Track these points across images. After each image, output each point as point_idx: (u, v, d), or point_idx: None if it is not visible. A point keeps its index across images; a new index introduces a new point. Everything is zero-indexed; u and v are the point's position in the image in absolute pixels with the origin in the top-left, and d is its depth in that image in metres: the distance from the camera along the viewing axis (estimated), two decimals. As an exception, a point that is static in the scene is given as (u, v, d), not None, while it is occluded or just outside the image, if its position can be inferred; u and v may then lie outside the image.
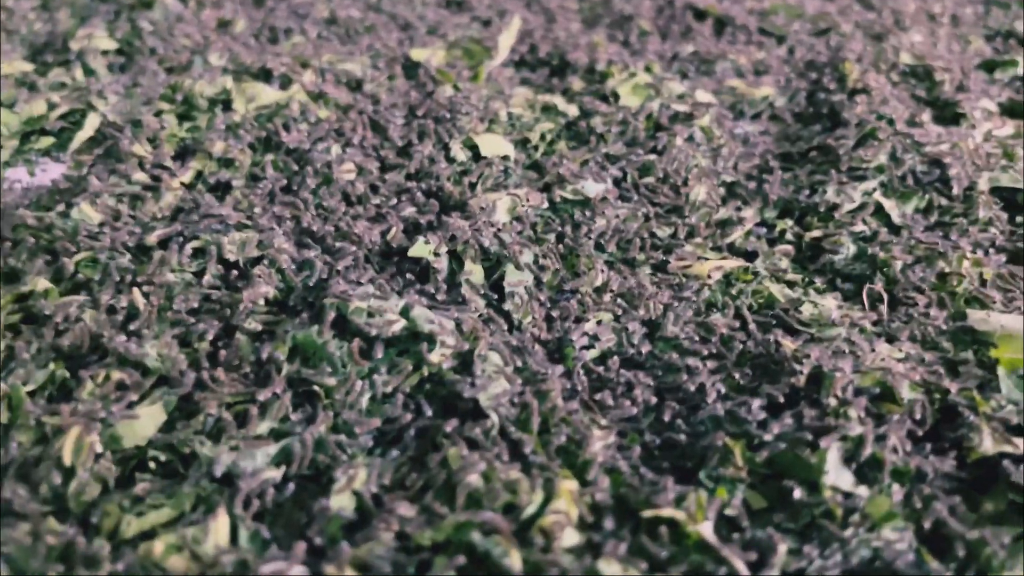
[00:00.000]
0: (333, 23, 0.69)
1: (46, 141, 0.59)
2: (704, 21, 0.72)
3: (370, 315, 0.47)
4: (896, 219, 0.57)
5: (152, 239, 0.52)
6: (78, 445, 0.42)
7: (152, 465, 0.43)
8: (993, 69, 0.74)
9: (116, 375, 0.46)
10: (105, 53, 0.66)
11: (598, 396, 0.46)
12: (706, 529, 0.38)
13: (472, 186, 0.56)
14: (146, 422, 0.45)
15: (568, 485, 0.40)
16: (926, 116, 0.63)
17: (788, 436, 0.41)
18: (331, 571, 0.36)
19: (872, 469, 0.41)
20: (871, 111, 0.62)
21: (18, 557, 0.39)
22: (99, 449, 0.43)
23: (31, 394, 0.45)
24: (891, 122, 0.61)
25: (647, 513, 0.38)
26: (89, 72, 0.63)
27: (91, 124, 0.59)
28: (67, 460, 0.41)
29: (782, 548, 0.38)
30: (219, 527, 0.39)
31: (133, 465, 0.43)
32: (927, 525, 0.39)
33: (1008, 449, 0.41)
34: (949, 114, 0.65)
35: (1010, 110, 0.66)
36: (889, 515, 0.39)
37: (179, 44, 0.65)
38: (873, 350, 0.47)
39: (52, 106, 0.60)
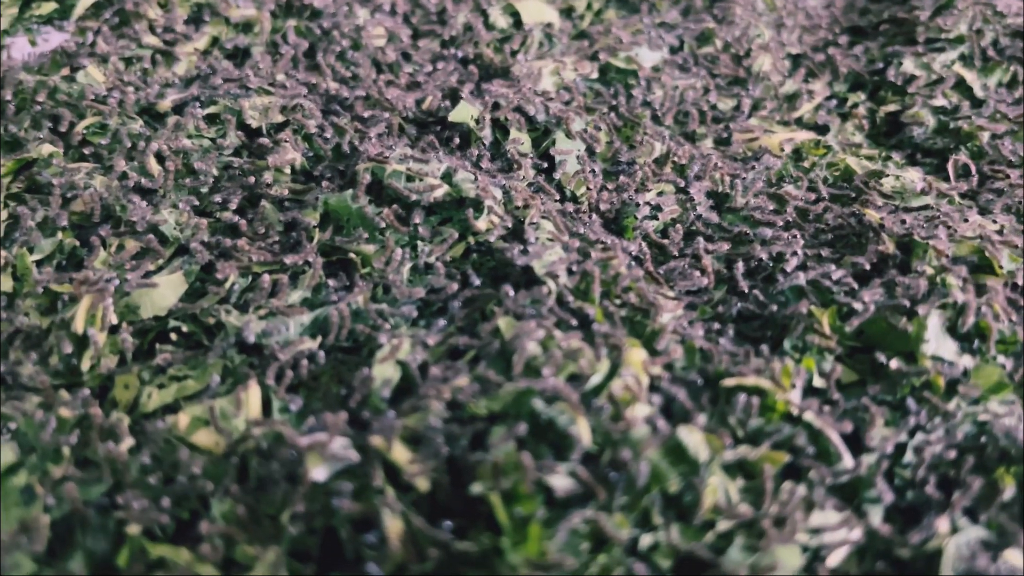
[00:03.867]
0: None
1: (47, 7, 0.54)
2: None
3: (409, 179, 0.43)
4: (979, 92, 0.52)
5: (165, 104, 0.48)
6: (90, 313, 0.38)
7: (173, 337, 0.39)
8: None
9: (131, 244, 0.42)
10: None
11: (663, 269, 0.42)
12: (794, 397, 0.34)
13: (514, 53, 0.51)
14: (166, 291, 0.41)
15: (637, 354, 0.36)
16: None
17: (880, 304, 0.37)
18: (377, 442, 0.32)
19: (975, 339, 0.37)
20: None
21: (27, 431, 0.35)
22: (114, 320, 0.39)
23: (38, 264, 0.42)
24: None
25: (728, 382, 0.34)
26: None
27: (93, -14, 0.54)
28: (79, 328, 0.37)
29: (879, 420, 0.34)
30: (251, 398, 0.35)
31: (152, 337, 0.40)
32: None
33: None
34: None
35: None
36: (999, 386, 0.35)
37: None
38: (966, 220, 0.43)
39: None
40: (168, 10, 0.52)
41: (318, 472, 0.30)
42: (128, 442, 0.34)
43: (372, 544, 0.29)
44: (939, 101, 0.51)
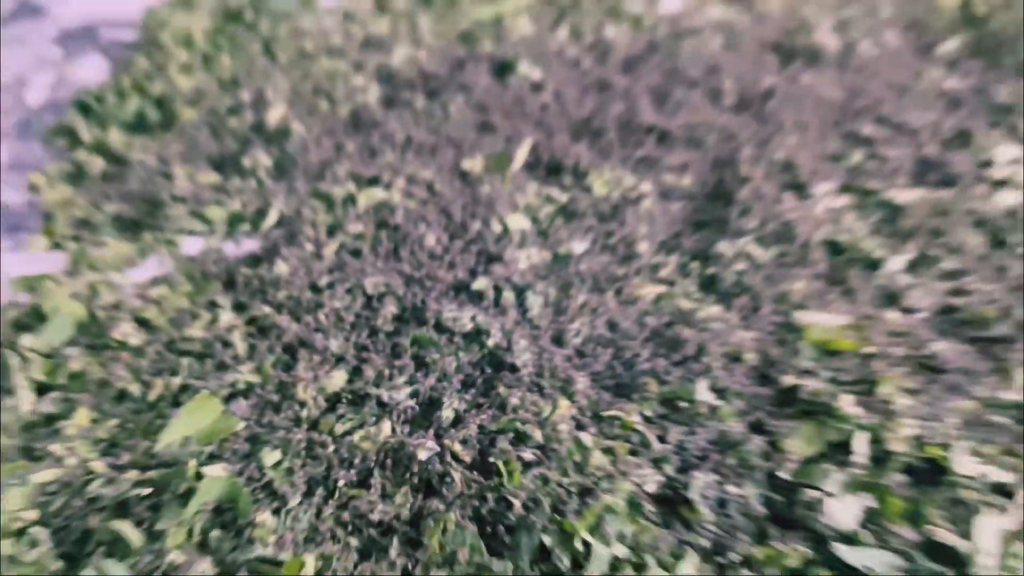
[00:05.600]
0: (410, 144, 1.07)
1: (244, 226, 0.97)
2: (651, 133, 1.09)
3: (454, 320, 0.83)
4: (761, 259, 0.93)
5: (322, 282, 0.89)
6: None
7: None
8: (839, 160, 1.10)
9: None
10: (266, 166, 1.04)
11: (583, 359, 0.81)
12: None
13: (505, 247, 0.93)
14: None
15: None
16: (788, 195, 1.00)
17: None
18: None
19: None
20: (752, 193, 0.99)
21: None
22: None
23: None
24: (760, 199, 0.98)
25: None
26: (260, 183, 1.02)
27: (272, 215, 0.96)
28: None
29: None
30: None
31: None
32: None
33: None
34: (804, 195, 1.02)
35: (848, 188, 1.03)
36: None
37: (314, 161, 1.04)
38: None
39: (243, 205, 0.98)
40: (315, 228, 0.94)
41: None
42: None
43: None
44: (739, 266, 0.93)
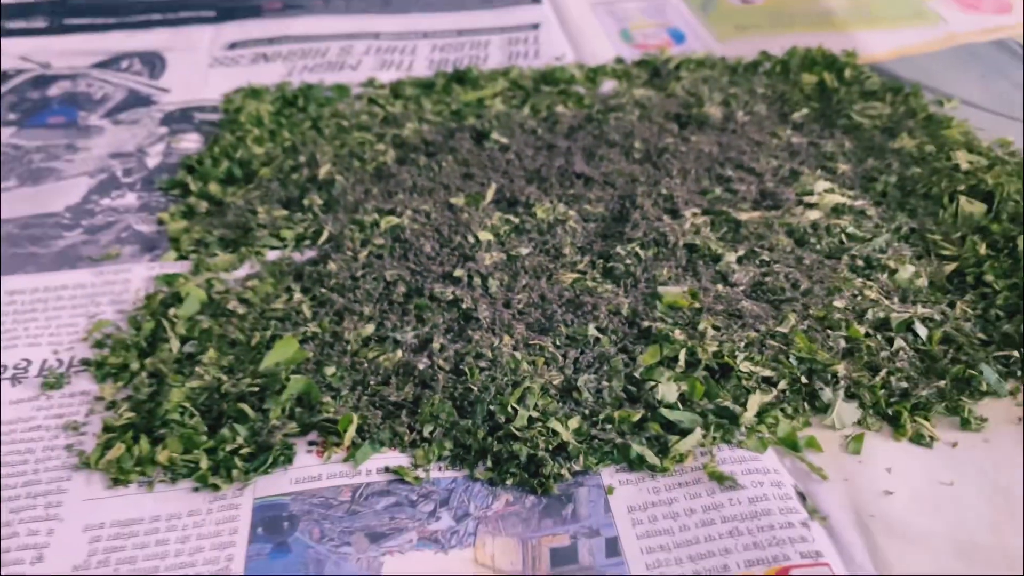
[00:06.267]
0: (415, 188, 1.57)
1: (306, 242, 1.46)
2: (580, 178, 1.59)
3: (441, 294, 1.31)
4: (643, 257, 1.41)
5: (358, 274, 1.37)
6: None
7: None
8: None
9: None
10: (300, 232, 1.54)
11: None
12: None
13: (476, 251, 1.41)
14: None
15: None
16: (666, 217, 1.48)
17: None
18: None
19: None
20: (641, 216, 1.47)
21: None
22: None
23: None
24: (647, 219, 1.46)
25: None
26: (315, 215, 1.51)
27: (324, 235, 1.45)
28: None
29: None
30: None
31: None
32: None
33: None
34: (677, 216, 1.50)
35: (708, 211, 1.51)
36: None
37: (350, 200, 1.53)
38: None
39: (305, 229, 1.47)
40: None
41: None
42: None
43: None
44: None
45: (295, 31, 1.91)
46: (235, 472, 0.94)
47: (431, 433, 1.08)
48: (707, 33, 1.91)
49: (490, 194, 1.49)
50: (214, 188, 1.57)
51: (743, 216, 1.42)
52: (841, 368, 1.13)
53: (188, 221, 1.50)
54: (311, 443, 1.09)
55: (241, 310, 1.28)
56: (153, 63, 1.98)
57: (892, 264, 1.30)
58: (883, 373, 1.13)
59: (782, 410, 1.10)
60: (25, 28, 2.14)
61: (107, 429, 1.11)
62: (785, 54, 1.73)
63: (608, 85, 1.87)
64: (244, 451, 1.06)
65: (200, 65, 1.81)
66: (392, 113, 1.75)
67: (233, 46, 1.87)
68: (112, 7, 2.21)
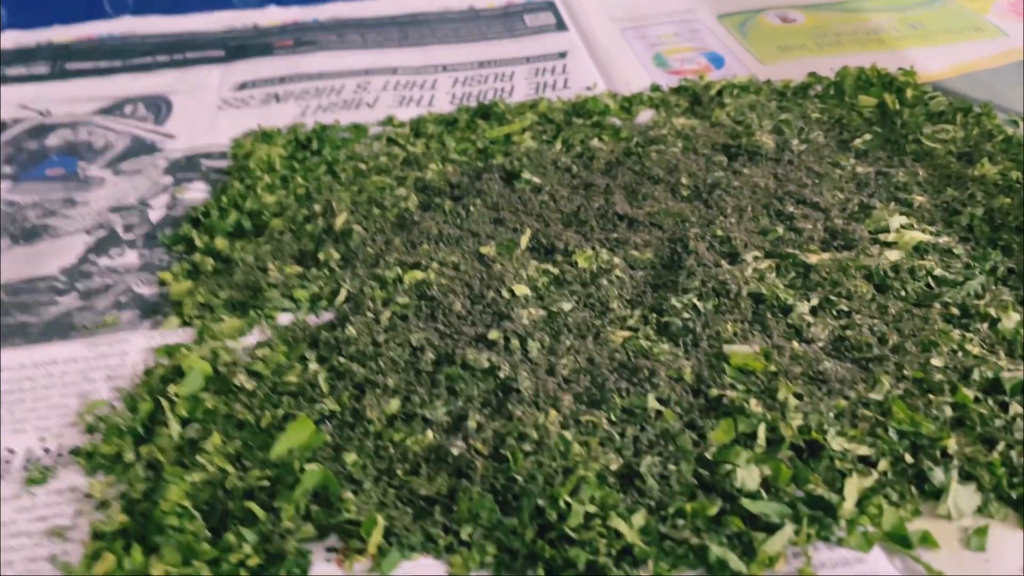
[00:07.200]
0: (441, 237, 1.42)
1: (322, 303, 1.31)
2: (623, 220, 1.42)
3: (475, 361, 1.15)
4: (702, 309, 1.24)
5: (380, 339, 1.22)
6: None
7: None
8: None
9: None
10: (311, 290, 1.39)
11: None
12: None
13: (513, 308, 1.25)
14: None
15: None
16: (724, 262, 1.31)
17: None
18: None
19: None
20: (696, 262, 1.30)
21: None
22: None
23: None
24: (703, 265, 1.29)
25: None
26: (332, 271, 1.36)
27: (342, 294, 1.29)
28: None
29: None
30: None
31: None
32: None
33: None
34: (736, 260, 1.33)
35: (770, 254, 1.34)
36: None
37: (370, 253, 1.38)
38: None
39: (321, 288, 1.32)
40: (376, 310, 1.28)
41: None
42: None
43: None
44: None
45: (308, 68, 1.78)
46: (242, 587, 0.77)
47: (470, 535, 0.91)
48: (748, 55, 1.75)
49: (524, 241, 1.34)
50: (221, 243, 1.42)
51: (812, 259, 1.25)
52: (952, 442, 0.95)
53: (193, 281, 1.35)
54: (330, 549, 0.93)
55: (250, 385, 1.13)
56: (158, 107, 1.86)
57: (993, 312, 1.12)
58: (1001, 446, 0.95)
59: (886, 496, 0.92)
60: (26, 75, 2.03)
61: (96, 536, 0.96)
62: (836, 75, 1.56)
63: (645, 115, 1.72)
64: (252, 562, 0.90)
65: (208, 107, 1.68)
66: (413, 153, 1.61)
67: (243, 86, 1.74)
68: (116, 50, 2.10)
